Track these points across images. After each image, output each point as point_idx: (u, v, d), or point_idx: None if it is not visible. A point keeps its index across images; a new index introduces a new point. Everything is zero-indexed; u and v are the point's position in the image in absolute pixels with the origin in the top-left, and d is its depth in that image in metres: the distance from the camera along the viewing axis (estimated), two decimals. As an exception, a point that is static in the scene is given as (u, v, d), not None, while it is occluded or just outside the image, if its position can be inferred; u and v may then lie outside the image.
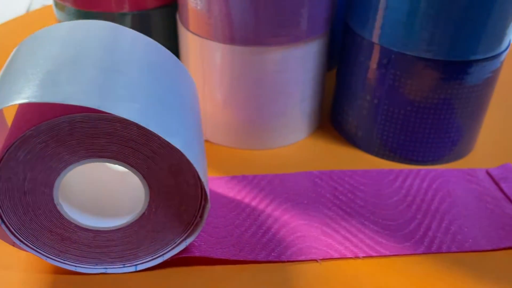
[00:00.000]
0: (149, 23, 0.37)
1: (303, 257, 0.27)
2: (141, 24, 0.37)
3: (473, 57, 0.31)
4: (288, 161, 0.35)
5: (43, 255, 0.26)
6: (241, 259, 0.27)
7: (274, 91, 0.34)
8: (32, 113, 0.23)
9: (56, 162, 0.23)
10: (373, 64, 0.32)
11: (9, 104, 0.21)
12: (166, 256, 0.26)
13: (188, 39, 0.33)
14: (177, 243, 0.26)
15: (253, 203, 0.31)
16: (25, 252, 0.27)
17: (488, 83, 0.33)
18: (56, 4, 0.37)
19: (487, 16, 0.29)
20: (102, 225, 0.25)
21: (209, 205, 0.25)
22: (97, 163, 0.24)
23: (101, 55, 0.24)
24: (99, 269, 0.27)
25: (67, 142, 0.23)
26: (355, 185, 0.32)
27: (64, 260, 0.26)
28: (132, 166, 0.24)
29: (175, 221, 0.26)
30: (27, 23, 0.51)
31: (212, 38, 0.32)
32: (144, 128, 0.23)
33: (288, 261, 0.27)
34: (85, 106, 0.22)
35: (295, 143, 0.37)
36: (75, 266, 0.26)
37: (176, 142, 0.22)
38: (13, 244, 0.25)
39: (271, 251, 0.28)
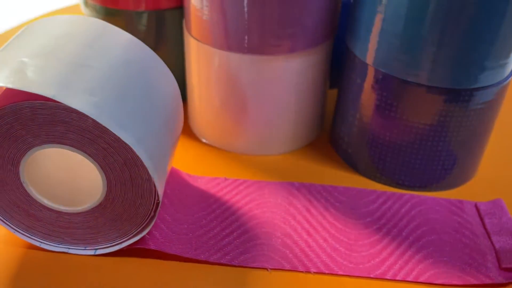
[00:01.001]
0: (164, 22, 0.38)
1: (255, 264, 0.28)
2: (156, 23, 0.38)
3: (467, 86, 0.30)
4: (275, 170, 0.35)
5: (12, 228, 0.28)
6: (193, 257, 0.28)
7: (267, 100, 0.34)
8: (0, 96, 0.25)
9: (21, 143, 0.25)
10: (364, 83, 0.32)
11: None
12: (123, 245, 0.28)
13: (189, 43, 0.35)
14: (133, 233, 0.28)
15: (225, 206, 0.31)
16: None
17: (483, 113, 0.31)
18: (84, 1, 0.39)
19: (486, 45, 0.28)
20: (63, 208, 0.27)
21: (160, 202, 0.26)
22: (61, 149, 0.26)
23: (77, 50, 0.25)
24: (62, 248, 0.28)
25: (29, 126, 0.24)
26: (332, 201, 0.32)
27: (31, 235, 0.28)
28: (89, 155, 0.25)
29: (131, 212, 0.27)
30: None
31: (210, 44, 0.33)
32: (99, 120, 0.24)
33: (239, 266, 0.28)
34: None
35: (287, 152, 0.37)
36: (40, 242, 0.28)
37: (125, 137, 0.24)
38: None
39: (225, 254, 0.28)
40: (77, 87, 0.23)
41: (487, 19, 0.27)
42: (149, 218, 0.27)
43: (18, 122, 0.24)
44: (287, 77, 0.34)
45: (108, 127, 0.23)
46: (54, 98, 0.22)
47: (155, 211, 0.27)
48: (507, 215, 0.31)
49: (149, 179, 0.26)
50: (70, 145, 0.25)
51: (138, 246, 0.28)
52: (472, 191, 0.34)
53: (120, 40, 0.28)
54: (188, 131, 0.39)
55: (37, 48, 0.25)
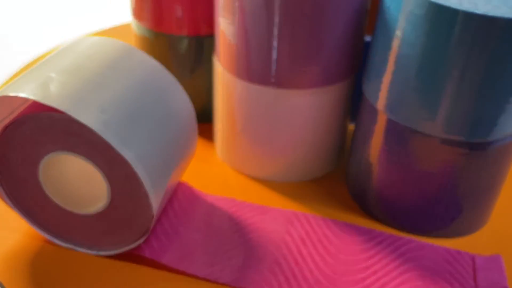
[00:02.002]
0: (202, 48, 0.41)
1: (239, 285, 0.30)
2: (195, 48, 0.41)
3: (476, 139, 0.30)
4: (284, 197, 0.37)
5: (29, 220, 0.31)
6: (181, 269, 0.30)
7: (284, 131, 0.36)
8: (30, 104, 0.28)
9: (40, 147, 0.28)
10: (374, 127, 0.33)
11: (6, 94, 0.26)
12: (122, 250, 0.30)
13: (216, 69, 0.37)
14: (132, 240, 0.30)
15: (226, 226, 0.33)
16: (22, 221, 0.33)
17: (494, 165, 0.32)
18: (134, 22, 0.43)
19: (500, 99, 0.29)
20: (72, 209, 0.30)
21: (155, 217, 0.28)
22: (74, 156, 0.29)
23: (99, 70, 0.28)
24: (69, 245, 0.31)
25: (48, 133, 0.28)
26: (328, 234, 0.33)
27: (44, 229, 0.31)
28: (97, 165, 0.28)
29: (131, 221, 0.29)
30: (112, 35, 0.58)
31: (233, 73, 0.35)
32: (106, 136, 0.27)
33: (223, 284, 0.30)
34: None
35: (300, 181, 0.38)
36: (52, 236, 0.31)
37: (126, 153, 0.26)
38: (11, 206, 0.31)
39: (213, 272, 0.30)
40: (90, 104, 0.26)
41: (500, 75, 0.28)
42: (145, 229, 0.29)
43: (39, 129, 0.28)
44: (304, 112, 0.35)
45: (111, 143, 0.26)
46: (67, 113, 0.25)
47: (150, 223, 0.29)
48: (501, 273, 0.31)
49: (146, 194, 0.28)
50: (81, 154, 0.28)
51: (135, 253, 0.30)
52: (476, 242, 0.34)
53: (141, 64, 0.30)
54: (212, 151, 0.41)
55: (65, 66, 0.28)
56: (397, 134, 0.32)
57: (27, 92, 0.26)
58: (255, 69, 0.34)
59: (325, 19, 0.32)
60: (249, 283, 0.30)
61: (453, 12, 0.26)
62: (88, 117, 0.26)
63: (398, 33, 0.29)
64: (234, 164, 0.39)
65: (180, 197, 0.35)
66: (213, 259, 0.31)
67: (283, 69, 0.33)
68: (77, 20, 0.67)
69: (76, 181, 0.31)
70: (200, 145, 0.42)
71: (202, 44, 0.41)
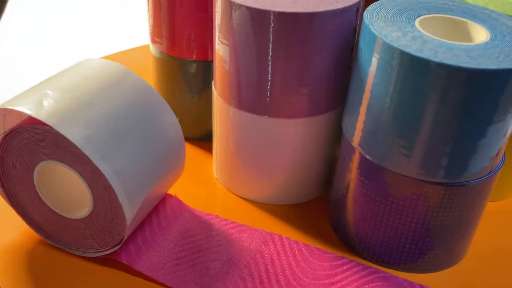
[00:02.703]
0: (209, 72, 0.44)
1: (202, 297, 0.32)
2: (203, 71, 0.44)
3: (449, 180, 0.31)
4: (266, 218, 0.39)
5: (26, 220, 0.35)
6: (152, 276, 0.33)
7: (271, 156, 0.38)
8: (29, 116, 0.32)
9: (34, 156, 0.32)
10: (349, 162, 0.34)
11: (5, 107, 0.30)
12: (103, 253, 0.33)
13: (213, 94, 0.40)
14: (111, 246, 0.33)
15: (204, 241, 0.36)
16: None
17: (464, 204, 0.32)
18: (151, 45, 0.46)
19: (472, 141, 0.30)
20: (61, 213, 0.33)
21: (128, 227, 0.31)
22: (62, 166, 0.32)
23: (91, 89, 0.32)
24: (58, 245, 0.35)
25: (40, 144, 0.31)
26: (297, 257, 0.35)
27: (38, 229, 0.35)
28: (81, 175, 0.31)
29: (110, 228, 0.32)
30: (129, 57, 0.62)
31: (225, 100, 0.38)
32: (87, 150, 0.30)
33: (188, 295, 0.32)
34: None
35: (285, 204, 0.40)
36: (45, 236, 0.35)
37: (103, 167, 0.29)
38: (12, 206, 0.35)
39: (182, 282, 0.33)
40: (76, 121, 0.30)
41: (469, 119, 0.29)
42: (122, 237, 0.32)
43: (33, 139, 0.31)
44: (292, 140, 0.37)
45: (89, 156, 0.29)
46: (53, 127, 0.29)
47: (125, 232, 0.32)
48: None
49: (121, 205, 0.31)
50: (67, 164, 0.31)
51: (113, 257, 0.33)
52: (444, 280, 0.35)
53: (133, 86, 0.33)
54: (211, 169, 0.44)
55: (62, 84, 0.32)
56: (370, 170, 0.33)
57: (23, 106, 0.30)
58: (245, 98, 0.36)
59: (312, 56, 0.34)
60: (211, 296, 0.32)
61: (416, 60, 0.28)
62: (71, 132, 0.29)
63: (370, 75, 0.30)
64: (226, 184, 0.41)
65: (168, 210, 0.37)
66: (183, 271, 0.33)
67: (272, 100, 0.36)
68: (108, 40, 0.72)
69: (65, 188, 0.34)
70: (201, 163, 0.44)
71: (209, 69, 0.44)
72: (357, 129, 0.33)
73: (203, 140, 0.48)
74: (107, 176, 0.29)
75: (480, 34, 0.31)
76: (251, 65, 0.35)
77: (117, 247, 0.33)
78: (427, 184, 0.31)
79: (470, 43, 0.29)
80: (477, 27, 0.31)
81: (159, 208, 0.37)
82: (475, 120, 0.29)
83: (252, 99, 0.36)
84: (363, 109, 0.32)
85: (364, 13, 0.32)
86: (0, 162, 0.33)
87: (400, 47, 0.28)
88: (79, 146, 0.29)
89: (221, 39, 0.35)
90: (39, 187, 0.33)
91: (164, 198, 0.38)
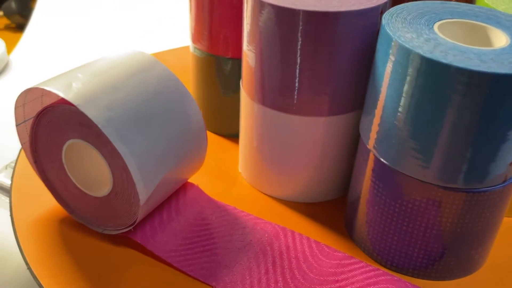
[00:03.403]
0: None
1: (206, 280, 0.33)
2: (238, 70, 0.45)
3: (465, 185, 0.31)
4: (285, 213, 0.39)
5: (54, 194, 0.37)
6: (161, 257, 0.34)
7: (291, 153, 0.39)
8: (57, 96, 0.34)
9: (62, 134, 0.34)
10: (365, 165, 0.35)
11: (39, 87, 0.32)
12: (120, 231, 0.35)
13: (240, 90, 0.41)
14: (127, 225, 0.35)
15: (218, 229, 0.37)
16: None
17: (481, 213, 0.32)
18: (191, 43, 0.48)
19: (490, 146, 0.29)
20: (84, 190, 0.35)
21: (141, 208, 0.33)
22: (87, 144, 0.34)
23: (118, 75, 0.34)
24: (81, 221, 0.37)
25: (67, 122, 0.33)
26: (306, 252, 0.35)
27: (65, 204, 0.37)
28: (102, 154, 0.33)
29: (127, 208, 0.34)
30: (173, 56, 0.64)
31: (250, 96, 0.39)
32: (108, 130, 0.32)
33: (195, 278, 0.33)
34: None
35: (306, 202, 0.41)
36: (70, 212, 0.37)
37: (120, 147, 0.31)
38: (43, 181, 0.37)
39: (188, 265, 0.34)
40: (100, 102, 0.32)
41: (490, 124, 0.28)
42: (137, 216, 0.34)
43: (61, 119, 0.33)
44: (313, 138, 0.38)
45: (108, 136, 0.31)
46: (78, 107, 0.31)
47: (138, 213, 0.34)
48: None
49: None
50: (91, 144, 0.33)
51: (129, 236, 0.35)
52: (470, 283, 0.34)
53: (159, 75, 0.35)
54: (236, 164, 0.45)
55: (93, 69, 0.34)
56: (384, 173, 0.33)
57: (53, 86, 0.32)
58: (269, 95, 0.37)
59: (335, 56, 0.34)
60: (217, 282, 0.33)
61: (425, 61, 0.28)
62: (94, 113, 0.31)
63: (386, 76, 0.31)
64: (248, 178, 0.42)
65: (188, 196, 0.39)
66: (195, 256, 0.35)
67: (294, 98, 0.36)
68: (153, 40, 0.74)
69: (89, 167, 0.36)
70: (230, 158, 0.46)
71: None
72: (372, 131, 0.33)
73: (237, 136, 0.49)
74: (123, 156, 0.31)
75: (501, 40, 0.31)
76: (275, 63, 0.36)
77: (132, 227, 0.34)
78: (441, 189, 0.31)
79: (485, 48, 0.29)
80: (498, 32, 0.31)
81: (179, 194, 0.39)
82: (489, 125, 0.28)
83: (275, 96, 0.37)
84: (378, 111, 0.32)
85: (384, 15, 0.32)
86: (34, 139, 0.36)
87: (411, 48, 0.28)
88: (99, 126, 0.31)
89: (249, 37, 0.37)
90: (67, 164, 0.35)
91: (186, 186, 0.40)
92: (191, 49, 0.48)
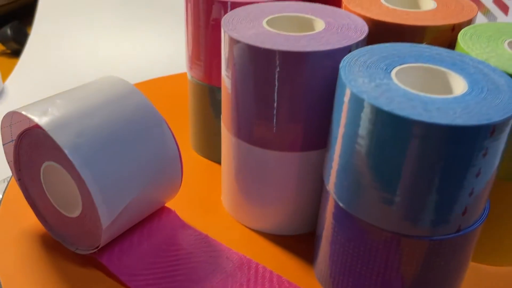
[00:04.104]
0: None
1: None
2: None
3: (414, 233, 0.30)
4: (255, 244, 0.40)
5: (35, 211, 0.39)
6: (123, 280, 0.35)
7: (264, 186, 0.39)
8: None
9: (40, 155, 0.36)
10: (325, 202, 0.35)
11: (18, 110, 0.34)
12: (89, 252, 0.37)
13: (221, 123, 0.42)
14: (96, 246, 0.36)
15: (184, 256, 0.38)
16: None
17: (438, 262, 0.32)
18: (187, 71, 0.50)
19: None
20: (61, 210, 0.37)
21: (103, 231, 0.34)
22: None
23: (93, 102, 0.36)
24: (57, 238, 0.39)
25: (43, 145, 0.35)
26: (265, 286, 0.36)
27: (44, 221, 0.39)
28: (73, 179, 0.35)
29: (94, 230, 0.36)
30: (167, 82, 0.65)
31: (226, 127, 0.40)
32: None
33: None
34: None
35: (277, 234, 0.41)
36: (49, 229, 0.39)
37: (84, 173, 0.33)
38: (26, 198, 0.39)
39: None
40: (71, 129, 0.33)
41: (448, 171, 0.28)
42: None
43: (38, 141, 0.35)
44: (282, 172, 0.38)
45: (73, 162, 0.32)
46: (48, 133, 0.33)
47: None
48: None
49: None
50: (63, 166, 0.35)
51: (96, 257, 0.36)
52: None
53: (136, 103, 0.37)
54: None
55: (71, 96, 0.36)
56: (340, 215, 0.33)
57: (30, 111, 0.34)
58: (243, 129, 0.38)
59: (302, 94, 0.35)
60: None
61: (367, 106, 0.28)
62: (62, 138, 0.33)
63: (342, 119, 0.31)
64: (227, 207, 0.43)
65: (162, 222, 0.40)
66: (154, 280, 0.36)
67: (267, 133, 0.37)
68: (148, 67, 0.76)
69: (64, 188, 0.38)
70: (217, 184, 0.47)
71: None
72: (331, 175, 0.33)
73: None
74: (86, 181, 0.33)
75: (459, 87, 0.30)
76: (247, 98, 0.36)
77: (96, 249, 0.36)
78: (394, 235, 0.31)
79: (439, 95, 0.29)
80: (459, 79, 0.30)
81: (155, 218, 0.40)
82: (432, 174, 0.28)
83: (248, 130, 0.38)
84: (336, 155, 0.32)
85: (344, 57, 0.32)
86: (17, 159, 0.38)
87: (357, 92, 0.28)
88: (65, 151, 0.32)
89: (225, 71, 0.38)
90: (45, 184, 0.37)
91: (163, 211, 0.41)
92: (188, 76, 0.49)
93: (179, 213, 0.42)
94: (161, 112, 0.57)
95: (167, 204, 0.43)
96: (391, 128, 0.27)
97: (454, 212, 0.30)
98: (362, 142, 0.29)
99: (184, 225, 0.41)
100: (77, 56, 0.74)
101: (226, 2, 0.42)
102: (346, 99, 0.30)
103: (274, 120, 0.36)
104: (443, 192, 0.29)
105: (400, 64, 0.32)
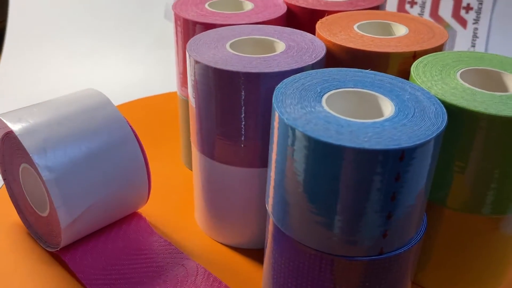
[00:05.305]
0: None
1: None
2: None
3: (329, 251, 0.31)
4: (219, 258, 0.41)
5: (16, 209, 0.43)
6: (80, 278, 0.38)
7: (228, 201, 0.41)
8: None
9: (18, 158, 0.40)
10: (267, 220, 0.36)
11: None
12: (56, 249, 0.40)
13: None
14: (60, 246, 0.39)
15: (142, 260, 0.40)
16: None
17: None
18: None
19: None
20: (35, 208, 0.40)
21: (62, 232, 0.37)
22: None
23: (67, 113, 0.39)
24: (33, 235, 0.42)
25: (18, 148, 0.39)
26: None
27: (24, 218, 0.43)
28: (41, 181, 0.38)
29: (58, 230, 0.39)
30: (156, 102, 0.67)
31: (194, 143, 0.42)
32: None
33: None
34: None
35: (237, 247, 0.42)
36: (27, 226, 0.43)
37: (46, 175, 0.36)
38: (10, 196, 0.43)
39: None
40: (39, 135, 0.37)
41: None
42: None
43: (15, 144, 0.39)
44: (244, 188, 0.40)
45: (36, 166, 0.36)
46: (18, 137, 0.36)
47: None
48: None
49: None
50: (33, 168, 0.38)
51: (59, 255, 0.39)
52: None
53: (107, 115, 0.40)
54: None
55: (48, 105, 0.39)
56: (277, 234, 0.34)
57: (6, 117, 0.38)
58: (205, 145, 0.40)
59: (260, 114, 0.37)
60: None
61: (286, 128, 0.29)
62: (29, 144, 0.36)
63: (274, 141, 0.32)
64: (197, 221, 0.45)
65: (132, 227, 0.43)
66: (110, 280, 0.38)
67: (226, 150, 0.39)
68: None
69: (37, 189, 0.41)
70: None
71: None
72: (270, 196, 0.34)
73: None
74: (46, 182, 0.36)
75: (387, 111, 0.31)
76: (207, 116, 0.38)
77: (59, 247, 0.39)
78: (320, 253, 0.32)
79: (358, 120, 0.30)
80: (388, 104, 0.31)
81: (124, 223, 0.43)
82: (347, 195, 0.29)
83: (208, 145, 0.40)
84: (270, 174, 0.33)
85: (285, 79, 0.34)
86: (2, 160, 0.42)
87: (280, 113, 0.30)
88: (30, 155, 0.36)
89: (190, 89, 0.40)
90: (23, 184, 0.41)
91: (134, 216, 0.43)
92: (178, 94, 0.52)
93: (156, 220, 0.45)
94: (156, 128, 0.60)
95: (149, 211, 0.46)
96: (306, 149, 0.29)
97: (373, 235, 0.30)
98: (286, 163, 0.30)
99: (151, 232, 0.43)
100: (48, 82, 0.76)
101: (210, 24, 0.44)
102: (275, 119, 0.31)
103: (233, 138, 0.38)
104: (360, 213, 0.29)
105: (337, 88, 0.33)
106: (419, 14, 0.76)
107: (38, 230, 0.42)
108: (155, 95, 0.69)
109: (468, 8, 0.72)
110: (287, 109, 0.30)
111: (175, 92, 0.67)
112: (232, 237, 0.42)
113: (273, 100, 0.31)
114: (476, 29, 0.73)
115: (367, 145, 0.27)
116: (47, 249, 0.41)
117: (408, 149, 0.28)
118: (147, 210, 0.46)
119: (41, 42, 0.84)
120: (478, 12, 0.71)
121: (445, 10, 0.74)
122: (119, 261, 0.40)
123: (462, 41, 0.75)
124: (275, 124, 0.31)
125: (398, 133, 0.28)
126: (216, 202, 0.41)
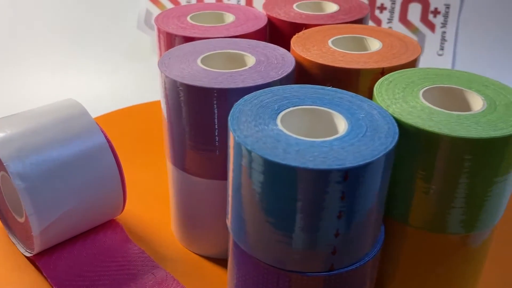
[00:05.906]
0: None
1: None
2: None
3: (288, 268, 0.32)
4: (191, 267, 0.42)
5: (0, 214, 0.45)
6: (52, 284, 0.39)
7: (196, 211, 0.42)
8: None
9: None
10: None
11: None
12: (31, 254, 0.41)
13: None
14: (34, 250, 0.41)
15: (114, 268, 0.41)
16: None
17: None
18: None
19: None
20: (14, 214, 0.42)
21: (35, 239, 0.38)
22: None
23: (44, 122, 0.40)
24: (13, 239, 0.44)
25: (-2, 157, 0.40)
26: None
27: (5, 223, 0.44)
28: (16, 188, 0.39)
29: (32, 236, 0.40)
30: (137, 112, 0.68)
31: (166, 155, 0.43)
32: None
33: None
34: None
35: (209, 256, 0.43)
36: (8, 230, 0.44)
37: (18, 183, 0.37)
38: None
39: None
40: (14, 144, 0.38)
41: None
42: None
43: (-5, 153, 0.41)
44: (211, 199, 0.41)
45: (9, 174, 0.37)
46: (-7, 146, 0.38)
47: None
48: None
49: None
50: (9, 176, 0.40)
51: (35, 260, 0.41)
52: None
53: (83, 125, 0.41)
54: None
55: (28, 115, 0.41)
56: (238, 254, 0.34)
57: (-15, 127, 0.39)
58: (173, 155, 0.41)
59: (212, 126, 0.38)
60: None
61: (239, 146, 0.30)
62: (4, 152, 0.38)
63: (230, 156, 0.33)
64: (173, 230, 0.46)
65: (108, 235, 0.44)
66: (81, 286, 0.39)
67: (192, 161, 0.40)
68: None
69: (14, 196, 0.43)
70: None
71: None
72: (229, 211, 0.35)
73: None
74: (18, 191, 0.37)
75: (341, 130, 0.31)
76: (176, 128, 0.39)
77: (33, 253, 0.40)
78: (273, 269, 0.32)
79: (308, 138, 0.30)
80: (342, 122, 0.32)
81: (101, 231, 0.44)
82: (291, 212, 0.29)
83: (178, 157, 0.40)
84: (230, 194, 0.33)
85: (246, 96, 0.34)
86: (-15, 167, 0.44)
87: (233, 130, 0.30)
88: (4, 164, 0.37)
89: (162, 103, 0.41)
90: (3, 191, 0.42)
91: (111, 224, 0.45)
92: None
93: (136, 228, 0.46)
94: (143, 137, 0.61)
95: (128, 219, 0.47)
96: (255, 167, 0.29)
97: (323, 251, 0.31)
98: (240, 179, 0.31)
99: (127, 240, 0.44)
100: (29, 93, 0.77)
101: (189, 37, 0.45)
102: (230, 136, 0.32)
103: (201, 151, 0.39)
104: (308, 231, 0.30)
105: (294, 106, 0.33)
106: (388, 19, 0.78)
107: (16, 234, 0.43)
108: (141, 104, 0.70)
109: (436, 12, 0.75)
110: (241, 126, 0.31)
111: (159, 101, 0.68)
112: (204, 247, 0.43)
113: (229, 117, 0.32)
114: (444, 32, 0.76)
115: (311, 165, 0.28)
116: (25, 254, 0.42)
117: (352, 169, 0.28)
118: (126, 218, 0.47)
119: (20, 54, 0.86)
120: (446, 16, 0.73)
121: (414, 14, 0.77)
122: (92, 268, 0.41)
123: (431, 44, 0.77)
124: (231, 141, 0.32)
125: (345, 153, 0.29)
126: (187, 212, 0.42)
